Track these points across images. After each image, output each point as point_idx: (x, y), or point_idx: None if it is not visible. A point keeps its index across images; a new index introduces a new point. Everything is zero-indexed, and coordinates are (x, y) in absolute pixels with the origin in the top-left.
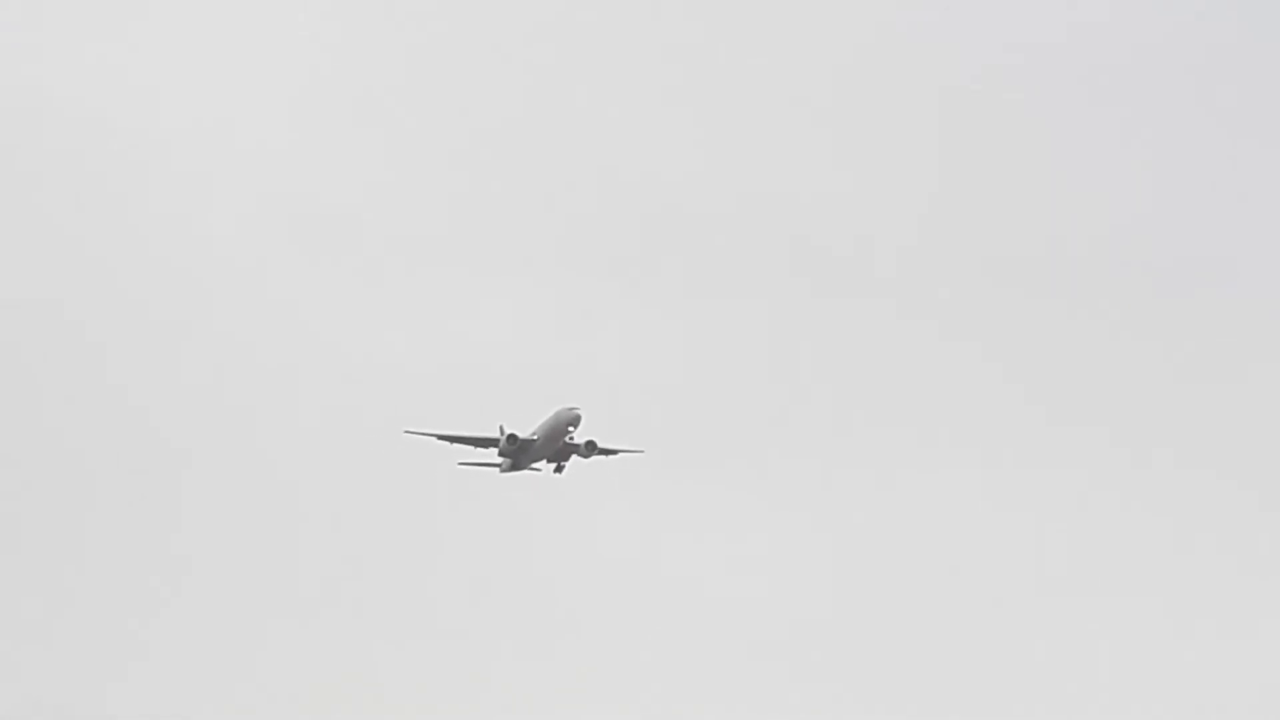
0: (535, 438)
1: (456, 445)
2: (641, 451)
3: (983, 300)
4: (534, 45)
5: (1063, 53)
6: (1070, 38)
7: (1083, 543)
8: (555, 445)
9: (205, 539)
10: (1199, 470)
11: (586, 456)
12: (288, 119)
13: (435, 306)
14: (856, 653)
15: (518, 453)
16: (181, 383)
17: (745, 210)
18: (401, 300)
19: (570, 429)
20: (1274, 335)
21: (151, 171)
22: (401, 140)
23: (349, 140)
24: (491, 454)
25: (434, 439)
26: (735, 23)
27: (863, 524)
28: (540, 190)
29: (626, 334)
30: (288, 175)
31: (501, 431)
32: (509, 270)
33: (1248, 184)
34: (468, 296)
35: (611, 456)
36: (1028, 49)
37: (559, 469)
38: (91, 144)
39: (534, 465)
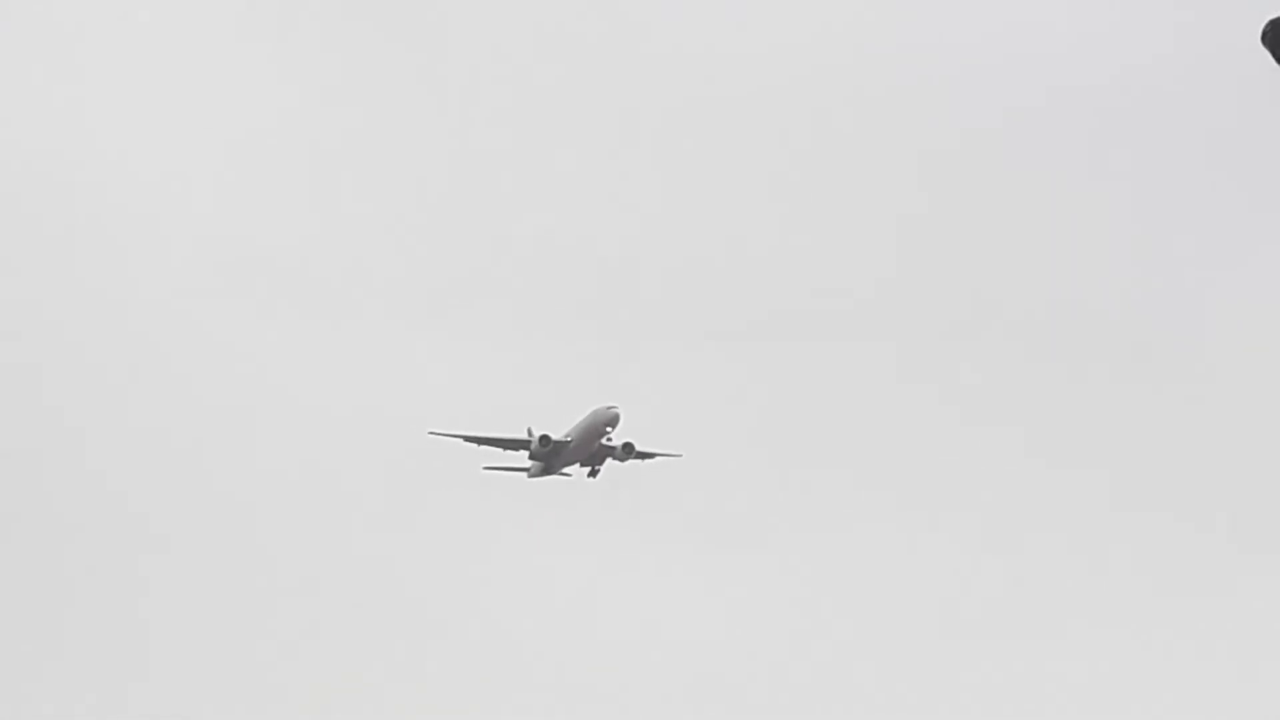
0: (569, 439)
1: (485, 447)
2: (680, 455)
3: (945, 350)
4: (481, 91)
5: (1040, 116)
6: (1050, 102)
7: (1038, 588)
8: (590, 447)
9: (165, 598)
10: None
11: (623, 460)
12: (231, 165)
13: (386, 351)
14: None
15: (550, 455)
16: (130, 429)
17: (703, 263)
18: (353, 344)
19: (608, 429)
20: (1246, 393)
21: (92, 216)
22: (351, 185)
23: (292, 186)
24: (521, 457)
25: (460, 440)
26: (696, 77)
27: (828, 570)
28: (493, 239)
29: (581, 381)
30: (229, 219)
31: (530, 434)
32: (461, 316)
33: (1219, 244)
34: (417, 341)
35: (648, 460)
36: (1007, 112)
37: (593, 473)
38: (29, 189)
39: (564, 470)
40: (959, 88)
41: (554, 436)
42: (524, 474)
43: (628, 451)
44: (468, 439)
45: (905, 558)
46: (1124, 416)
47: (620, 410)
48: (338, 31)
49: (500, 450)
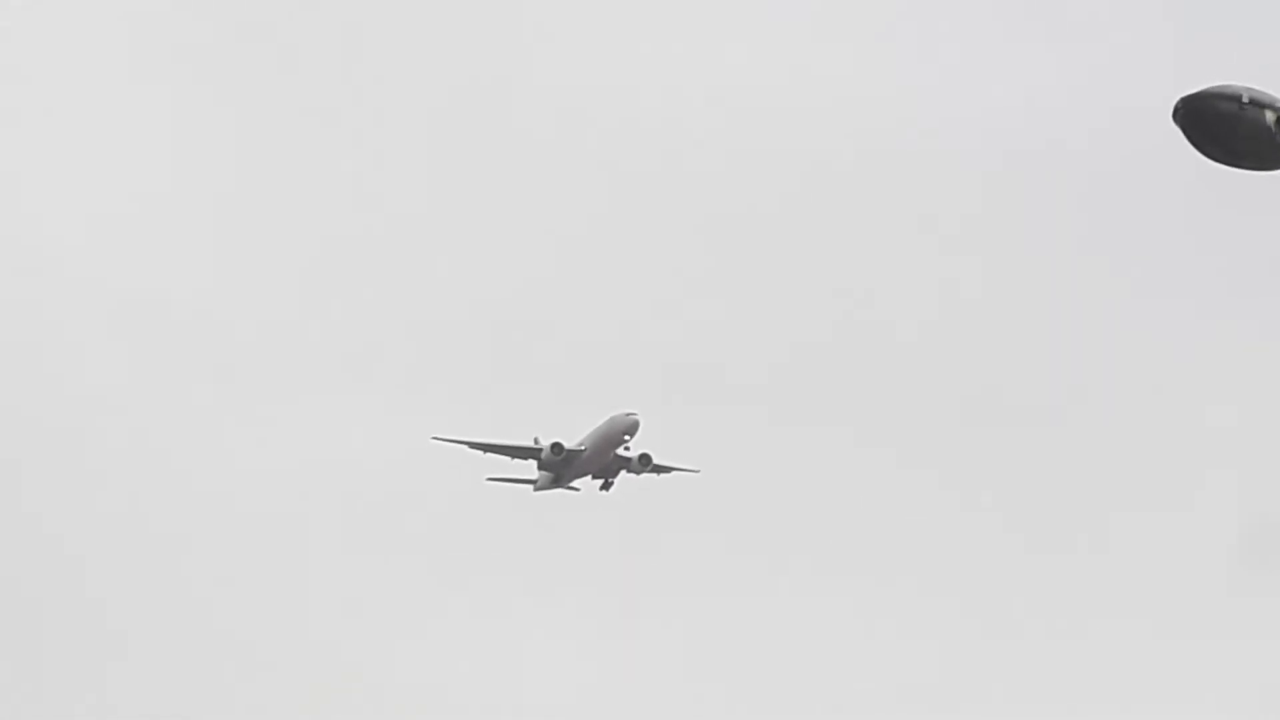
0: (583, 448)
1: (490, 455)
2: (698, 471)
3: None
4: (392, 139)
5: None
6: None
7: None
8: (606, 457)
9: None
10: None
11: (639, 473)
12: (133, 216)
13: (295, 415)
14: None
15: (561, 465)
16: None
17: (626, 325)
18: (261, 410)
19: (626, 438)
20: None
21: None
22: (254, 237)
23: (195, 238)
24: (529, 467)
25: (465, 447)
26: (599, 140)
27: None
28: (402, 301)
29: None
30: (135, 275)
31: (536, 442)
32: (367, 378)
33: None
34: (325, 406)
35: (665, 474)
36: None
37: (606, 486)
38: None
39: (572, 485)
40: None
41: (567, 445)
42: (530, 486)
43: (644, 463)
44: (473, 446)
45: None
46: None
47: (640, 417)
48: (239, 82)
49: (507, 459)
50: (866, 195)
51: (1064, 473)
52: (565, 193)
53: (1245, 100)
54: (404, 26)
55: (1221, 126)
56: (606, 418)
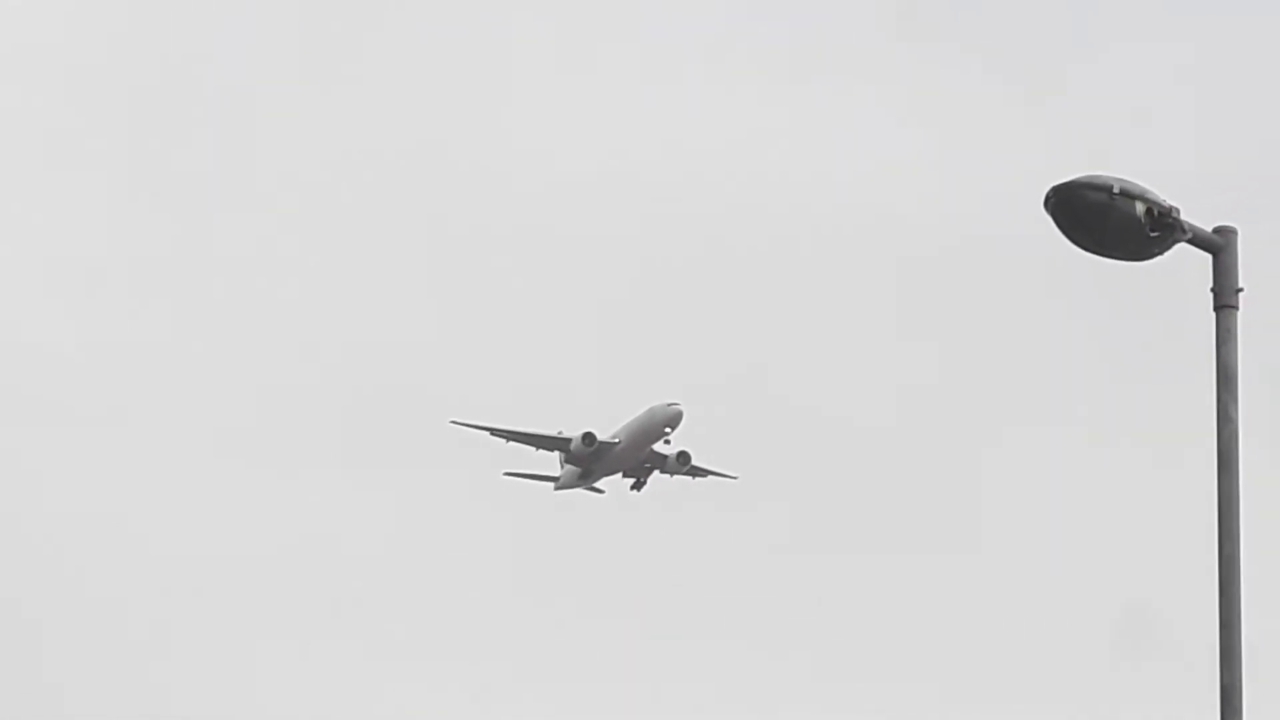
0: (617, 441)
1: (513, 444)
2: (736, 478)
3: None
4: (296, 204)
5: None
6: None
7: None
8: (641, 452)
9: None
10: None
11: (673, 473)
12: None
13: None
14: None
15: (591, 459)
16: None
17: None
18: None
19: (667, 430)
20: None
21: None
22: (158, 304)
23: (101, 304)
24: (552, 461)
25: (486, 433)
26: (528, 194)
27: None
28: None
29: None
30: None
31: (560, 435)
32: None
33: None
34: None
35: (700, 478)
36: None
37: (637, 485)
38: None
39: (596, 486)
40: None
41: (599, 436)
42: (550, 484)
43: (682, 462)
44: (495, 432)
45: None
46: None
47: (683, 408)
48: (140, 154)
49: (532, 449)
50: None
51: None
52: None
53: (1116, 190)
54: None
55: (1092, 216)
56: (645, 408)
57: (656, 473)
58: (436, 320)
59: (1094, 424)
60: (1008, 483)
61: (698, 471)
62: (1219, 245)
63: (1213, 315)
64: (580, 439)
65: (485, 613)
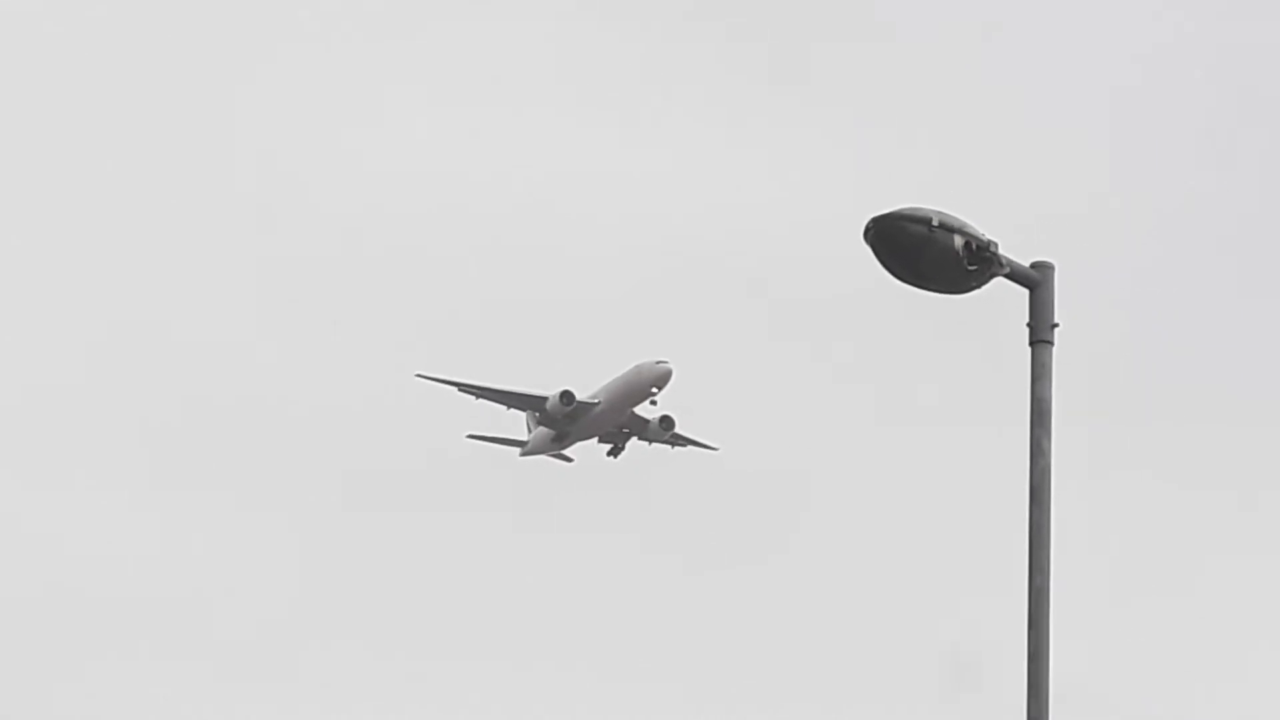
0: (597, 401)
1: (482, 402)
2: (717, 449)
3: None
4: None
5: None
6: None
7: None
8: (622, 415)
9: None
10: None
11: (652, 440)
12: None
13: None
14: None
15: (567, 421)
16: None
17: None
18: None
19: (653, 391)
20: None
21: None
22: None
23: None
24: (520, 423)
25: (454, 388)
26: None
27: None
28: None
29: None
30: None
31: (534, 394)
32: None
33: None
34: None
35: (680, 447)
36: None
37: (615, 451)
38: None
39: (565, 455)
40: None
41: (578, 396)
42: (516, 449)
43: (666, 428)
44: (463, 388)
45: None
46: None
47: (672, 367)
48: None
49: (503, 408)
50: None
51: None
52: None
53: (935, 223)
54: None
55: (911, 248)
56: (631, 366)
57: (635, 439)
58: (261, 333)
59: (912, 456)
60: (818, 516)
61: (679, 440)
62: (1036, 281)
63: (1028, 350)
64: (558, 397)
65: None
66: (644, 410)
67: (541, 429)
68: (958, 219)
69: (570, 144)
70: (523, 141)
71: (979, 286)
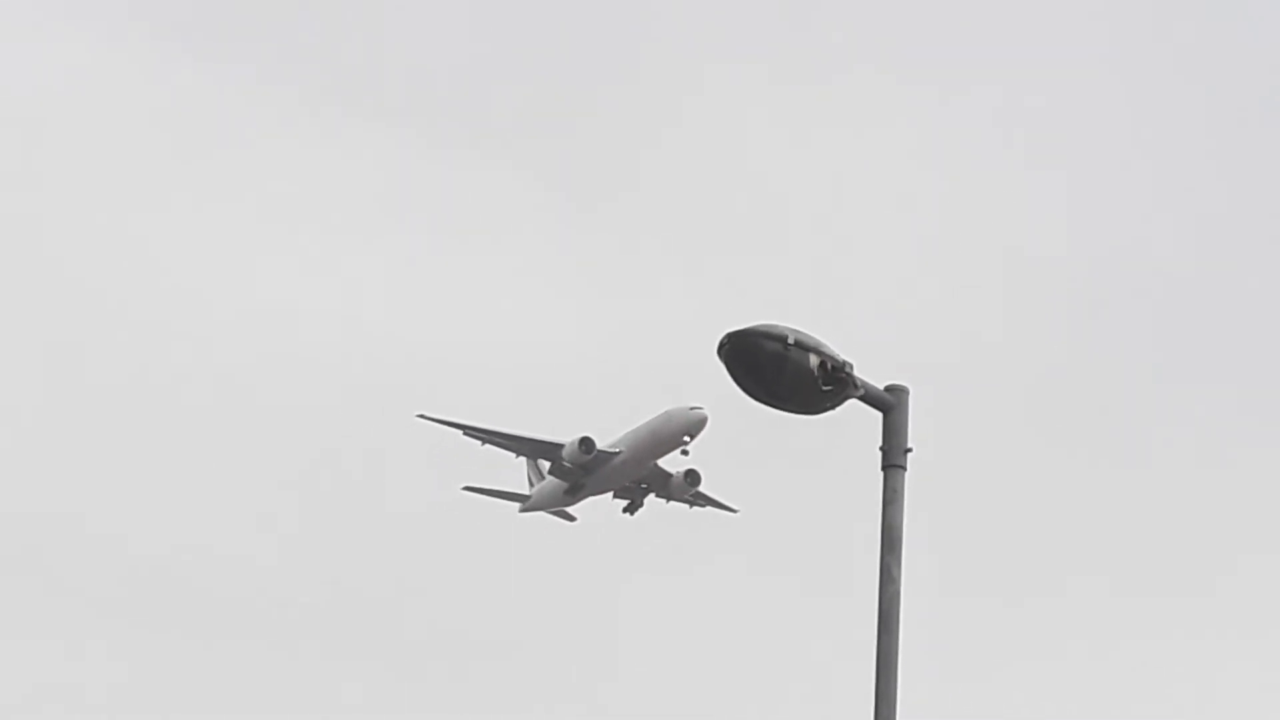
0: (619, 450)
1: (488, 447)
2: (737, 510)
3: None
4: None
5: None
6: None
7: None
8: (645, 466)
9: None
10: None
11: (669, 497)
12: None
13: None
14: None
15: (582, 472)
16: None
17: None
18: None
19: (685, 440)
20: None
21: None
22: None
23: None
24: (523, 475)
25: (458, 431)
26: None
27: None
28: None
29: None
30: None
31: (548, 441)
32: None
33: None
34: None
35: (698, 507)
36: None
37: (631, 508)
38: None
39: (568, 512)
40: None
41: (598, 444)
42: (517, 504)
43: (691, 483)
44: (468, 431)
45: None
46: None
47: (708, 413)
48: None
49: (511, 456)
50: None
51: None
52: None
53: (791, 341)
54: None
55: (766, 365)
56: (660, 412)
57: (653, 495)
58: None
59: (760, 582)
60: (657, 635)
61: (700, 499)
62: (890, 404)
63: (880, 474)
64: (576, 444)
65: None
66: (667, 464)
67: (552, 480)
68: (814, 338)
69: (395, 273)
70: (348, 270)
71: (833, 408)
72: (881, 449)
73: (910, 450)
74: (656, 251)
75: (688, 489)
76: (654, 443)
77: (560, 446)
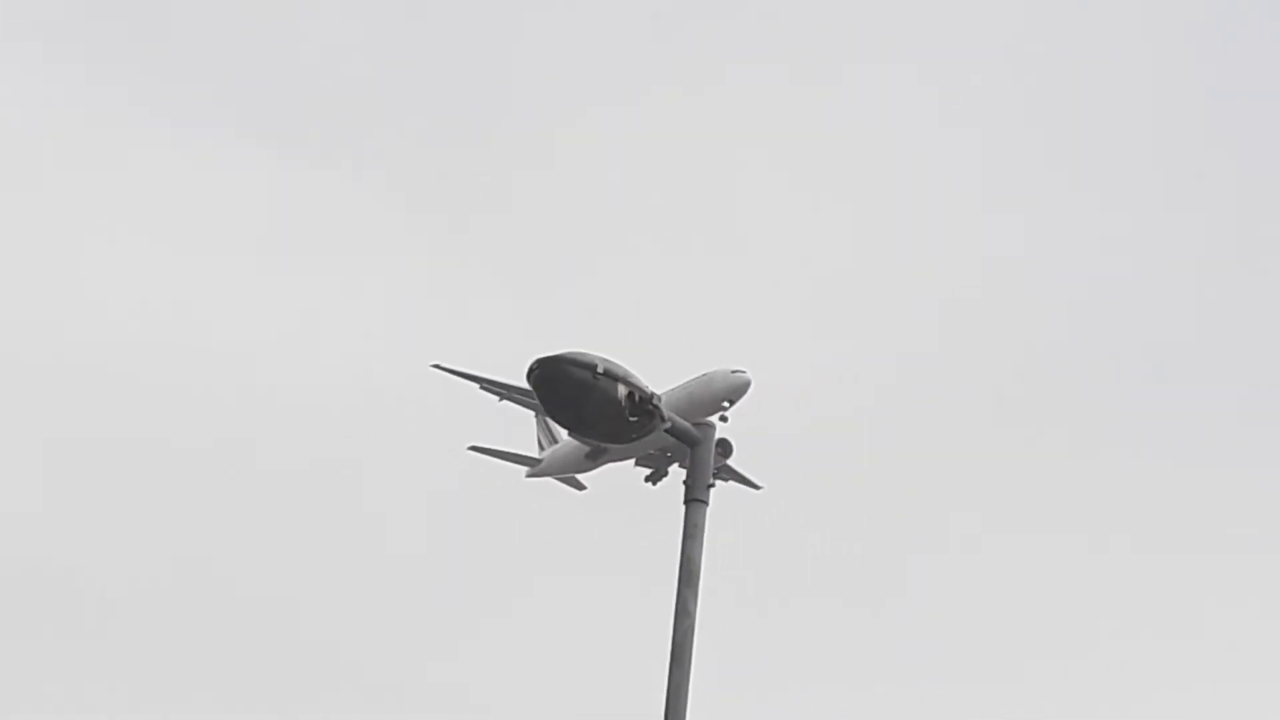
0: None
1: (506, 404)
2: (761, 487)
3: None
4: None
5: None
6: None
7: None
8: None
9: None
10: None
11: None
12: None
13: None
14: None
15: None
16: None
17: None
18: None
19: (725, 405)
20: None
21: None
22: None
23: None
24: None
25: (475, 384)
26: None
27: None
28: None
29: None
30: None
31: None
32: None
33: None
34: None
35: (723, 482)
36: None
37: (655, 477)
38: None
39: (578, 479)
40: None
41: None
42: (524, 468)
43: (724, 453)
44: (485, 385)
45: None
46: None
47: (751, 377)
48: None
49: (530, 413)
50: None
51: None
52: None
53: (600, 370)
54: None
55: (574, 392)
56: (700, 374)
57: (678, 465)
58: None
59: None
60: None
61: (725, 473)
62: (696, 439)
63: (682, 508)
64: None
65: None
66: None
67: (570, 443)
68: (623, 368)
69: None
70: (221, 293)
71: (639, 438)
72: (685, 483)
73: (713, 485)
74: (526, 275)
75: (719, 459)
76: (690, 405)
77: None
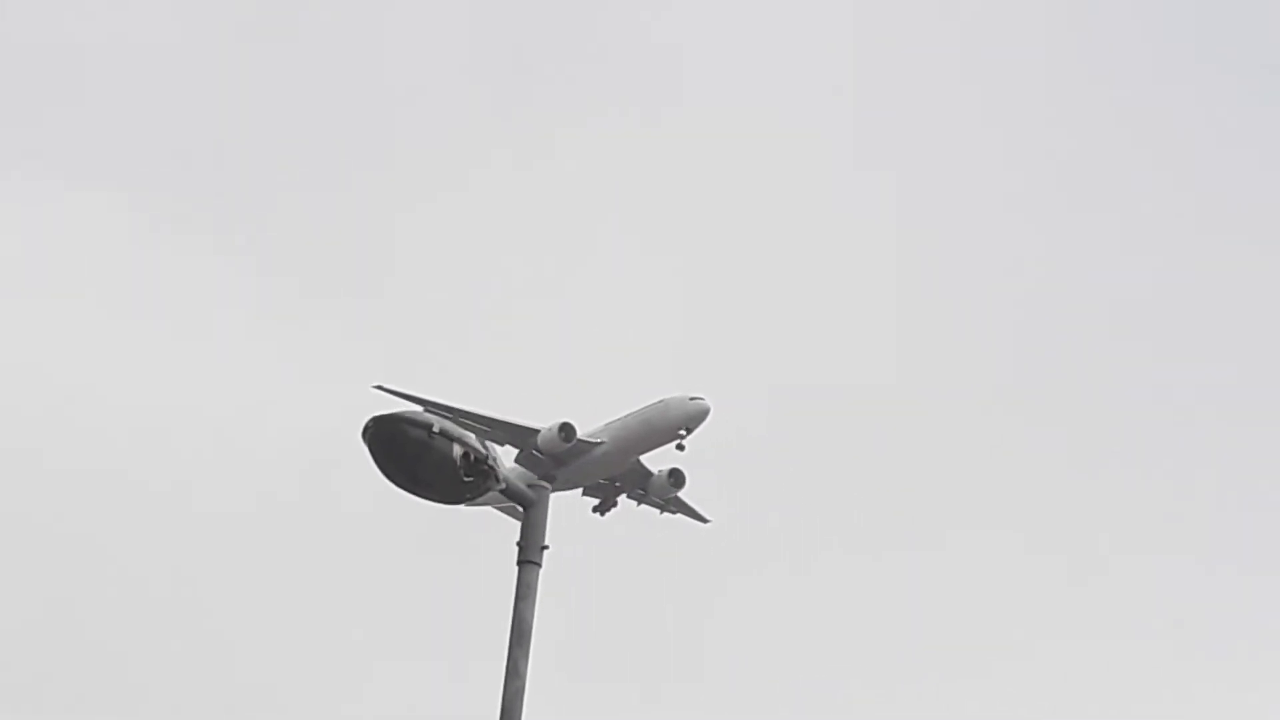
0: (601, 441)
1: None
2: (709, 521)
3: None
4: None
5: None
6: None
7: None
8: (627, 460)
9: None
10: None
11: (642, 501)
12: None
13: None
14: None
15: (554, 463)
16: None
17: None
18: None
19: (681, 434)
20: None
21: None
22: None
23: None
24: (494, 460)
25: (415, 406)
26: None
27: None
28: None
29: None
30: None
31: (523, 425)
32: None
33: None
34: None
35: (669, 513)
36: None
37: (603, 507)
38: None
39: (516, 509)
40: None
41: (579, 431)
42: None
43: (674, 485)
44: (430, 407)
45: None
46: None
47: (709, 404)
48: None
49: (478, 443)
50: None
51: None
52: None
53: (436, 430)
54: None
55: (409, 452)
56: (655, 400)
57: (626, 495)
58: None
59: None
60: None
61: (673, 505)
62: (530, 500)
63: (515, 569)
64: (556, 430)
65: None
66: (648, 461)
67: (516, 469)
68: (459, 429)
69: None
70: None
71: (473, 499)
72: (519, 544)
73: (547, 548)
74: (375, 345)
75: (669, 490)
76: (645, 434)
77: (535, 432)
